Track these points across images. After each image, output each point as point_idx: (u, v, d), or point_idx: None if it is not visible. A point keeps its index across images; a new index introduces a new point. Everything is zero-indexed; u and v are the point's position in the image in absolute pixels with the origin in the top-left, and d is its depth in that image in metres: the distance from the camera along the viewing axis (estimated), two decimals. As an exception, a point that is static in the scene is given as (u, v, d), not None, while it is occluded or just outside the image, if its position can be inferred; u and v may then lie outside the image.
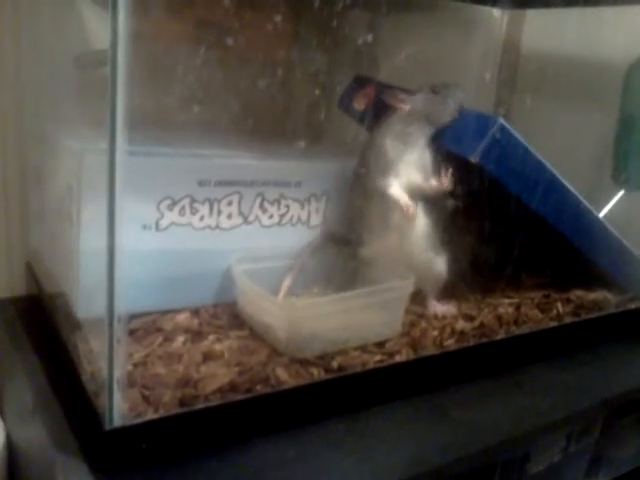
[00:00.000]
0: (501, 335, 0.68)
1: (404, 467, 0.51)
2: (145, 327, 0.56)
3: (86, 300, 0.54)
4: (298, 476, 0.48)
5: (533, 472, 0.67)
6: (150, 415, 0.45)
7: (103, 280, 0.42)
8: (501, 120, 0.62)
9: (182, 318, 0.58)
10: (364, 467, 0.50)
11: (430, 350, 0.62)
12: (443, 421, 0.58)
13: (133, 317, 0.57)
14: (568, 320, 0.74)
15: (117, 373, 0.43)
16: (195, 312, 0.60)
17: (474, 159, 0.61)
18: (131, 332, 0.55)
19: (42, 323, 0.63)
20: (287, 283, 0.63)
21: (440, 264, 0.68)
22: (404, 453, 0.53)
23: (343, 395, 0.56)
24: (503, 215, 0.67)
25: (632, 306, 0.80)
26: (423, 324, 0.65)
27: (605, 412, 0.71)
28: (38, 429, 0.50)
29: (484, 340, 0.67)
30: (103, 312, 0.42)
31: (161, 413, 0.46)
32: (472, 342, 0.66)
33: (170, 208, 0.57)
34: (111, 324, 0.42)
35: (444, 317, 0.67)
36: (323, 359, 0.55)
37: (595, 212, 0.72)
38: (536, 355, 0.71)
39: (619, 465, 0.82)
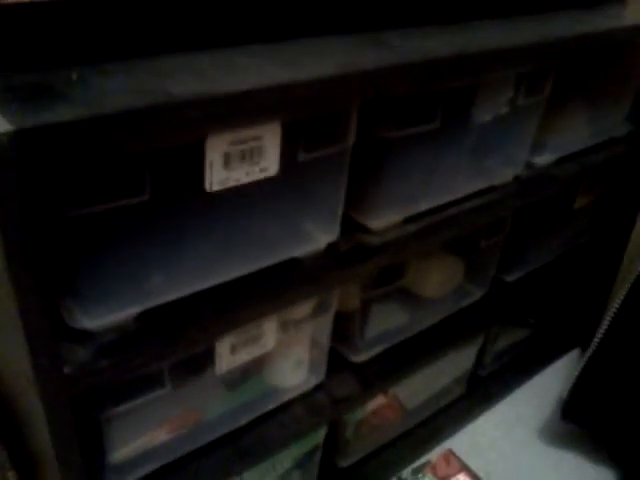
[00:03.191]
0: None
1: (332, 69, 0.46)
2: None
3: None
4: (214, 78, 0.42)
5: (479, 121, 0.63)
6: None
7: None
8: None
9: None
10: (286, 69, 0.45)
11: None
12: (381, 46, 0.52)
13: None
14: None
15: None
16: None
17: None
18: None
19: None
20: None
21: None
22: (334, 60, 0.48)
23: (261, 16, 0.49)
24: None
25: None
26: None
27: (557, 57, 0.66)
28: None
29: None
30: None
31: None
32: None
33: None
34: None
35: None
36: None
37: None
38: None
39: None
